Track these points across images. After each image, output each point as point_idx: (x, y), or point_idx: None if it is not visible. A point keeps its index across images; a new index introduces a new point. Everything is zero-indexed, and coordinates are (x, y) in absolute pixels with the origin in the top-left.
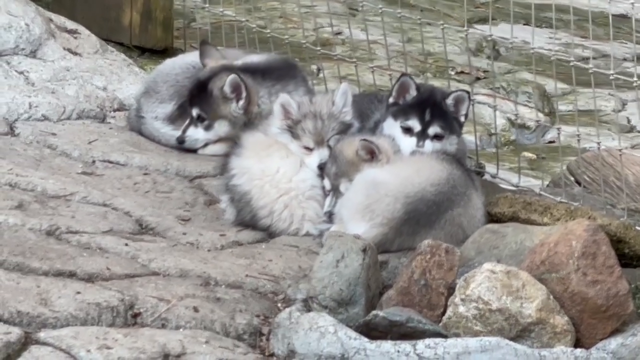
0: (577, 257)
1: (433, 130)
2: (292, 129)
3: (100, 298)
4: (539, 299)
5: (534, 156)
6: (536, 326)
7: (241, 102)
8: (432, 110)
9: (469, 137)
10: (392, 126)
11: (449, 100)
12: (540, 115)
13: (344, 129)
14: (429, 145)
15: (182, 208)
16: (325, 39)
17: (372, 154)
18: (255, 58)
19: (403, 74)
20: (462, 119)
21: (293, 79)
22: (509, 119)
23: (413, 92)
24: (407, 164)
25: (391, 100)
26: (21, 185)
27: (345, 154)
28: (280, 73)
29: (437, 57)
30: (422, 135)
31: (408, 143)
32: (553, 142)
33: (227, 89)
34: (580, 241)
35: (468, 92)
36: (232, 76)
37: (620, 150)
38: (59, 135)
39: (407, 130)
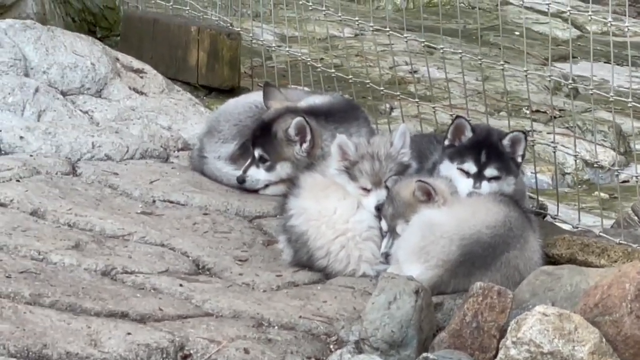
0: (630, 299)
1: (490, 172)
2: (350, 170)
3: (151, 339)
4: (591, 342)
5: (607, 196)
6: None
7: (305, 145)
8: (488, 151)
9: (540, 177)
10: (448, 168)
11: (505, 141)
12: (615, 154)
13: (402, 170)
14: (485, 186)
15: (240, 248)
16: (401, 77)
17: (428, 195)
18: (318, 100)
19: (457, 116)
20: (519, 159)
21: (356, 121)
22: (583, 159)
23: (469, 134)
24: (464, 206)
25: (447, 142)
26: (80, 225)
27: (402, 195)
28: (343, 115)
29: (513, 96)
30: (478, 177)
31: (465, 185)
32: (627, 181)
33: (291, 131)
34: (634, 284)
35: (525, 133)
36: (298, 119)
37: None
38: (120, 175)
39: (464, 172)
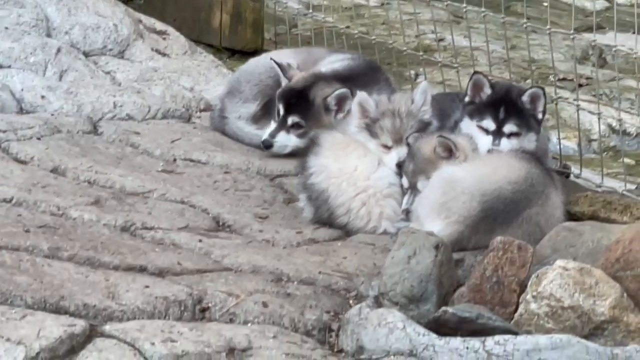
0: None
1: (508, 128)
2: (370, 128)
3: (169, 292)
4: (612, 296)
5: (633, 162)
6: (609, 324)
7: (341, 115)
8: (507, 108)
9: (566, 143)
10: (469, 125)
11: (525, 98)
12: None
13: (423, 128)
14: (505, 143)
15: (261, 206)
16: (427, 45)
17: (449, 152)
18: (338, 63)
19: (475, 72)
20: (540, 116)
21: (377, 84)
22: (609, 126)
23: (487, 90)
24: (485, 162)
25: (467, 99)
26: (100, 182)
27: (423, 152)
28: (365, 79)
29: (540, 64)
30: (497, 134)
31: (484, 142)
32: None
33: (331, 100)
34: None
35: (543, 89)
36: (342, 90)
37: None
38: (142, 134)
39: (483, 129)
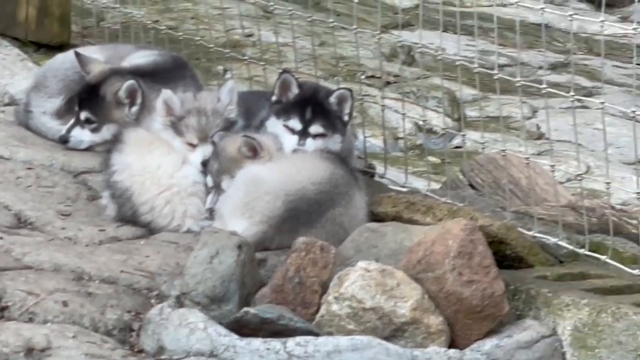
0: (453, 256)
1: (315, 129)
2: (176, 126)
3: None
4: (413, 298)
5: (439, 160)
6: (410, 326)
7: (135, 108)
8: (313, 108)
9: (373, 141)
10: (275, 124)
11: (332, 99)
12: (448, 120)
13: (229, 126)
14: (310, 144)
15: (64, 203)
16: (236, 40)
17: (254, 151)
18: (142, 59)
19: (284, 71)
20: (346, 117)
21: (182, 80)
22: (415, 124)
23: (295, 90)
24: (289, 162)
25: (274, 98)
26: None
27: (228, 151)
28: (170, 75)
29: (348, 61)
30: (303, 134)
31: (290, 141)
32: (460, 147)
33: (122, 94)
34: (457, 240)
35: (351, 90)
36: (130, 82)
37: (527, 158)
38: None
39: (289, 129)
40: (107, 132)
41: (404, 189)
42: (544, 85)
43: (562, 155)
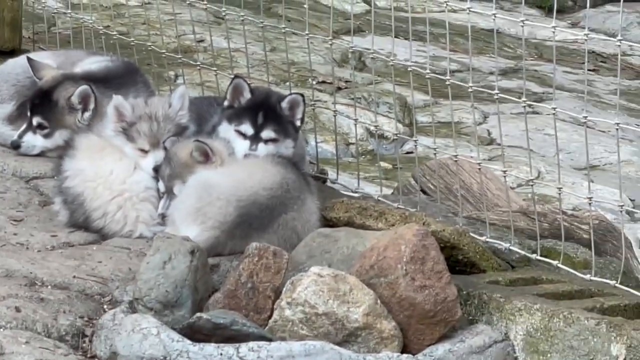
0: (405, 261)
1: (266, 134)
2: (127, 131)
3: None
4: (366, 303)
5: (390, 166)
6: (363, 331)
7: (87, 114)
8: (265, 113)
9: (325, 146)
10: (227, 129)
11: (284, 104)
12: (400, 126)
13: (180, 132)
14: (262, 149)
15: (16, 208)
16: (187, 46)
17: (206, 156)
18: (94, 65)
19: (236, 76)
20: (298, 122)
21: (134, 86)
22: (367, 129)
23: (247, 95)
24: (241, 167)
25: (226, 103)
26: None
27: (180, 156)
28: (122, 81)
29: (299, 67)
30: (255, 139)
31: (241, 146)
32: (412, 152)
33: (75, 99)
34: (409, 246)
35: (303, 95)
36: (83, 87)
37: (478, 163)
38: None
39: (241, 134)
40: (59, 137)
41: (356, 195)
42: (496, 91)
43: (513, 160)
